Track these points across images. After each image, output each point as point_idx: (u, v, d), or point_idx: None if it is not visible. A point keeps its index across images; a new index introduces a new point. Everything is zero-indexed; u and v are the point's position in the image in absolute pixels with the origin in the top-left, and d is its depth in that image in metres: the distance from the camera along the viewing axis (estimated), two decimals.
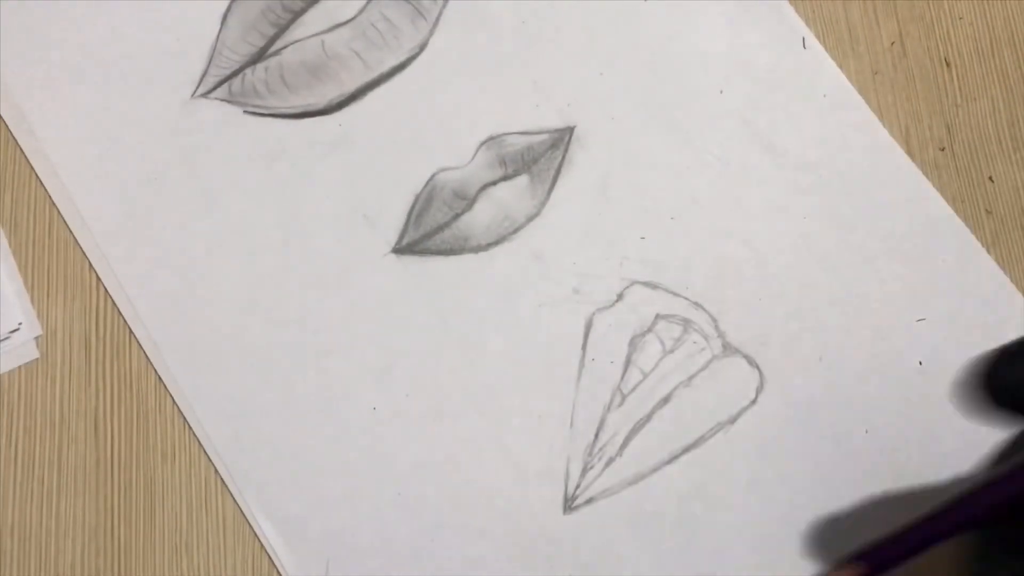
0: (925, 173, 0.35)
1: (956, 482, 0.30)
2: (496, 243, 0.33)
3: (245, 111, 0.34)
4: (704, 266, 0.34)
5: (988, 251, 0.34)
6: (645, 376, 0.32)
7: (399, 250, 0.33)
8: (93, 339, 0.32)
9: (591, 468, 0.32)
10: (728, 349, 0.33)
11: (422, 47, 0.35)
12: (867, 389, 0.33)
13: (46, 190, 0.33)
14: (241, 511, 0.31)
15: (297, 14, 0.34)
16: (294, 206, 0.33)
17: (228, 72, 0.34)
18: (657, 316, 0.33)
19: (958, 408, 0.32)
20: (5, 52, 0.34)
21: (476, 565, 0.31)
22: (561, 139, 0.34)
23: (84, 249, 0.33)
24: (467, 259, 0.33)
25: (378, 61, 0.34)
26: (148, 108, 0.34)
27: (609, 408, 0.32)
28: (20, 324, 0.32)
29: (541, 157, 0.34)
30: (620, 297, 0.33)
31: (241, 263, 0.33)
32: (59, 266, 0.33)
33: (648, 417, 0.32)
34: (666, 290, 0.33)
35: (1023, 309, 0.34)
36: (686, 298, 0.33)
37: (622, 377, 0.32)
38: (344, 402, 0.32)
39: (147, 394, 0.32)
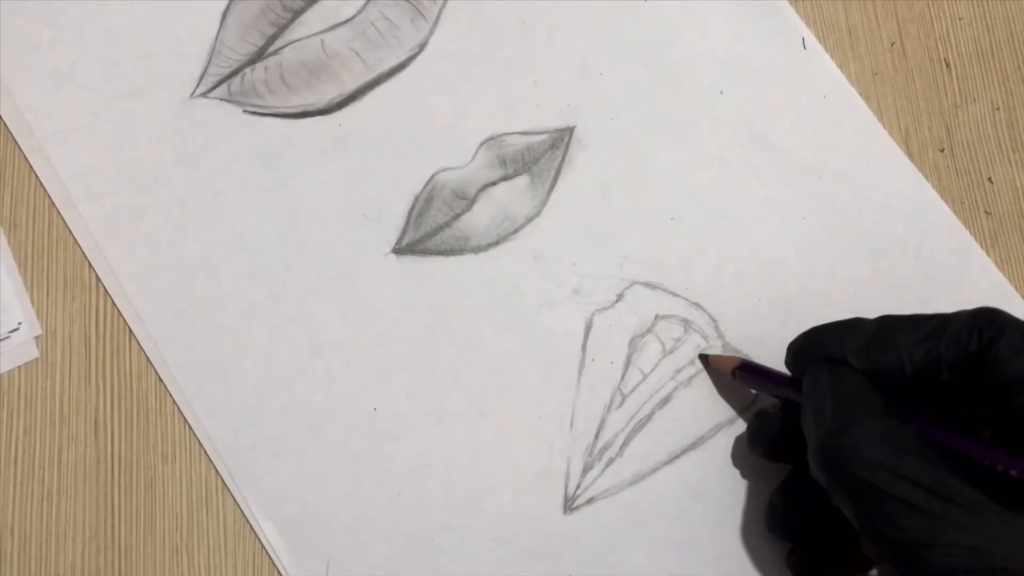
0: (924, 174, 0.35)
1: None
2: (496, 243, 0.33)
3: (245, 111, 0.34)
4: (704, 266, 0.34)
5: (987, 252, 0.34)
6: (645, 377, 0.33)
7: (399, 250, 0.33)
8: (93, 339, 0.32)
9: (591, 468, 0.32)
10: (728, 349, 0.33)
11: (422, 47, 0.35)
12: None
13: (46, 190, 0.33)
14: (241, 511, 0.31)
15: (297, 13, 0.34)
16: (294, 206, 0.33)
17: (227, 71, 0.34)
18: (657, 316, 0.33)
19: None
20: (5, 52, 0.34)
21: (476, 565, 0.31)
22: (561, 139, 0.34)
23: (84, 249, 0.33)
24: (467, 259, 0.33)
25: (378, 61, 0.34)
26: (148, 108, 0.34)
27: (609, 408, 0.32)
28: (20, 324, 0.32)
29: (541, 157, 0.34)
30: (620, 297, 0.33)
31: (241, 263, 0.33)
32: (59, 266, 0.33)
33: (648, 417, 0.32)
34: (666, 290, 0.33)
35: (1022, 310, 0.34)
36: (686, 298, 0.33)
37: (622, 377, 0.32)
38: (344, 402, 0.32)
39: (147, 394, 0.32)
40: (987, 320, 0.26)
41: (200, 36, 0.34)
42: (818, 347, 0.28)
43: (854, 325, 0.28)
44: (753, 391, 0.32)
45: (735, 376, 0.31)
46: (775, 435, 0.30)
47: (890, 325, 0.27)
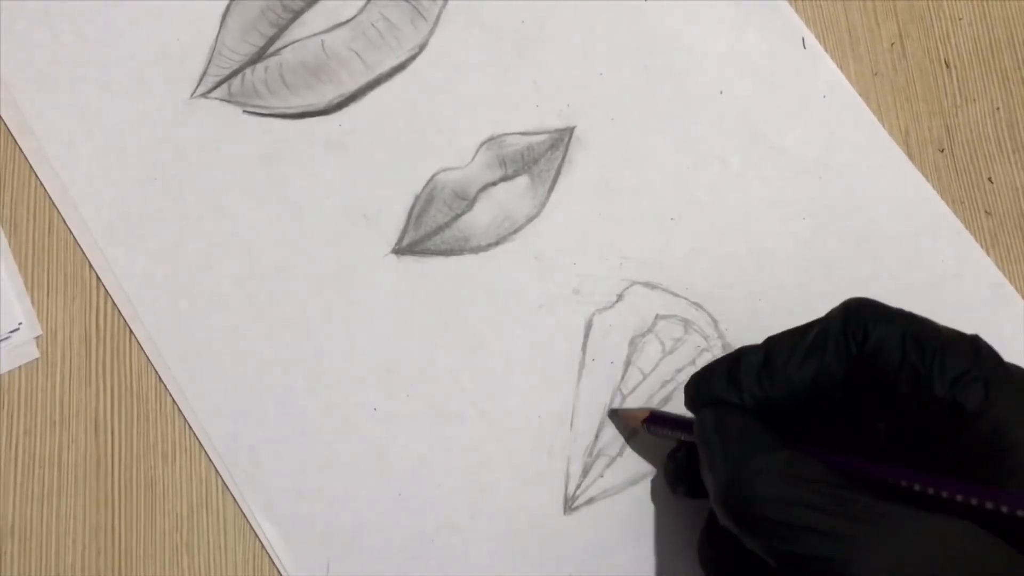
0: (924, 174, 0.35)
1: None
2: (496, 244, 0.33)
3: (245, 111, 0.34)
4: (704, 266, 0.34)
5: (987, 252, 0.34)
6: (645, 377, 0.32)
7: (399, 250, 0.33)
8: (93, 339, 0.32)
9: (591, 468, 0.32)
10: (728, 349, 0.33)
11: (422, 47, 0.35)
12: None
13: (46, 190, 0.33)
14: (241, 511, 0.31)
15: (297, 14, 0.34)
16: (294, 206, 0.33)
17: (228, 72, 0.34)
18: (657, 316, 0.33)
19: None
20: (5, 52, 0.34)
21: (476, 565, 0.31)
22: (561, 139, 0.34)
23: (84, 249, 0.33)
24: (467, 259, 0.33)
25: (378, 61, 0.34)
26: (148, 108, 0.34)
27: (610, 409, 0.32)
28: (20, 324, 0.32)
29: (541, 157, 0.34)
30: (620, 297, 0.33)
31: (241, 263, 0.33)
32: (59, 266, 0.33)
33: None
34: (666, 290, 0.33)
35: (1022, 310, 0.34)
36: (686, 298, 0.33)
37: (622, 378, 0.32)
38: (344, 402, 0.32)
39: (147, 394, 0.32)
40: (857, 317, 0.25)
41: (200, 37, 0.34)
42: (707, 389, 0.27)
43: (739, 358, 0.27)
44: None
45: (646, 428, 0.30)
46: (689, 473, 0.28)
47: (774, 349, 0.26)
